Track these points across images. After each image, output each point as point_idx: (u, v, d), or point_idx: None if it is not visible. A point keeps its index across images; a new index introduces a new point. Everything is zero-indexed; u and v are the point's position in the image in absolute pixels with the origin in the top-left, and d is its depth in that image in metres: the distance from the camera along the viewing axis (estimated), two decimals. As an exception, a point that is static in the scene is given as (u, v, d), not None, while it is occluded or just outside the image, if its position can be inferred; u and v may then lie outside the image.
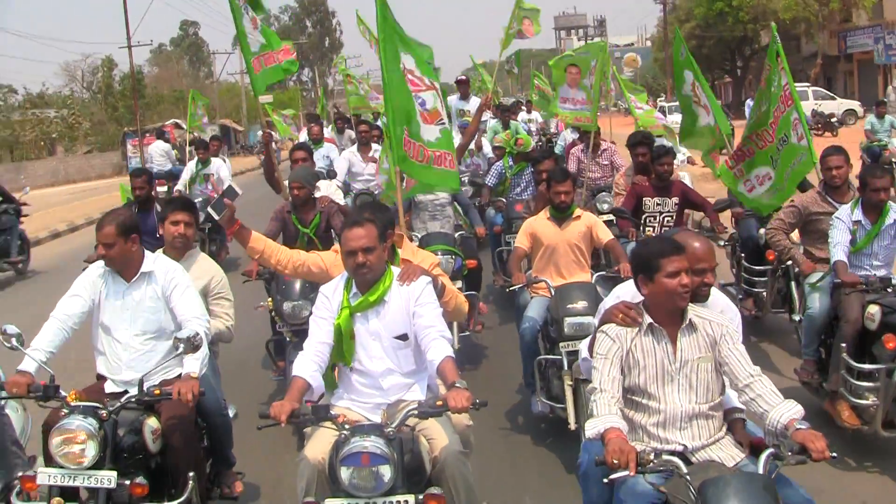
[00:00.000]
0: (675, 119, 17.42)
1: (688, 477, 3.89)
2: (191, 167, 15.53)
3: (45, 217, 25.23)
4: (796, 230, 8.12)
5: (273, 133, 11.28)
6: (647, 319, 4.43)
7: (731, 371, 4.33)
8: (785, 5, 46.36)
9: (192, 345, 5.02)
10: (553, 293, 7.23)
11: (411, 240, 8.79)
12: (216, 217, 5.94)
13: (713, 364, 4.39)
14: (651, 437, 4.39)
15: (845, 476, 6.39)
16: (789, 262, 8.69)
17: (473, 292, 9.35)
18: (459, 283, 9.03)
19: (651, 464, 3.91)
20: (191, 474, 5.16)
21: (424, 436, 4.77)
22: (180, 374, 5.33)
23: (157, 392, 5.07)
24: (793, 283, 8.88)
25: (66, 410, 4.91)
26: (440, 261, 6.87)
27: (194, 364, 5.19)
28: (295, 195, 8.50)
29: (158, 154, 22.82)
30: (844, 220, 7.13)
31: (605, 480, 4.04)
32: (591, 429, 4.13)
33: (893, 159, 17.57)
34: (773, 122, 9.06)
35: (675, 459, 4.00)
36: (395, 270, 5.14)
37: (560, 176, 7.74)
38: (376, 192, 10.93)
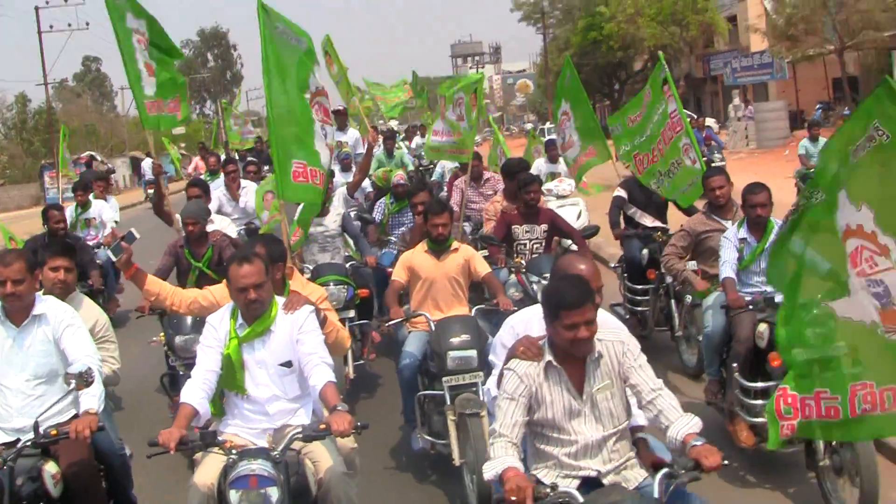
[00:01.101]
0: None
1: None
2: (69, 213, 12.99)
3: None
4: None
5: (160, 164, 10.68)
6: (547, 357, 4.22)
7: (635, 387, 4.22)
8: (650, 33, 47.31)
9: (84, 380, 4.65)
10: (433, 327, 6.83)
11: (302, 272, 8.44)
12: (114, 259, 5.72)
13: (617, 388, 4.24)
14: (563, 466, 4.23)
15: (746, 493, 6.29)
16: (669, 280, 8.62)
17: (366, 321, 9.02)
18: (352, 313, 8.69)
19: (548, 497, 3.82)
20: None
21: (310, 458, 4.70)
22: (75, 415, 4.96)
23: (54, 433, 4.67)
24: (673, 301, 8.83)
25: None
26: (327, 294, 6.55)
27: (91, 400, 4.80)
28: (189, 231, 8.22)
29: None
30: (731, 238, 7.02)
31: None
32: (490, 470, 4.00)
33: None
34: (657, 148, 9.07)
35: (571, 491, 3.92)
36: (280, 300, 5.08)
37: (437, 208, 7.30)
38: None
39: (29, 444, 4.65)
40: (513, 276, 8.55)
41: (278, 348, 4.93)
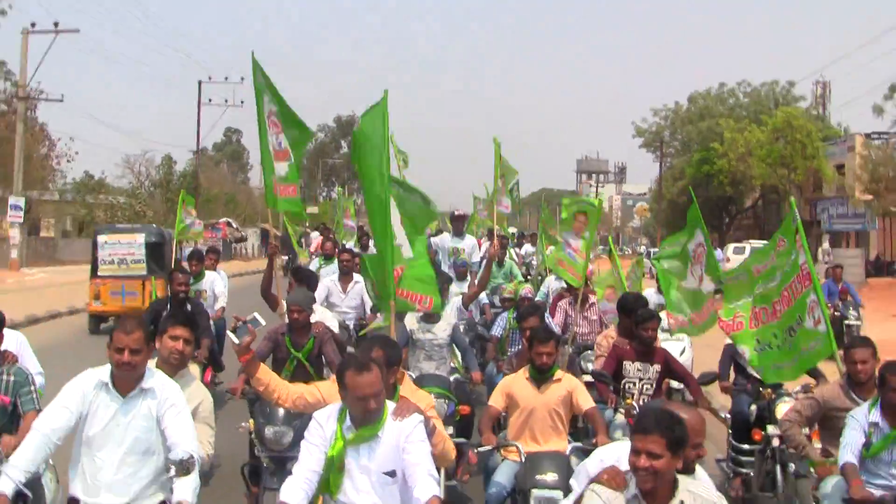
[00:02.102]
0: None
1: None
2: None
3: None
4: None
5: (277, 245, 9.81)
6: (633, 490, 3.82)
7: None
8: (759, 172, 46.73)
9: (185, 468, 4.25)
10: (523, 459, 6.22)
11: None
12: (236, 342, 5.36)
13: None
14: None
15: None
16: (776, 444, 7.47)
17: (464, 440, 8.06)
18: (451, 430, 7.82)
19: None
20: None
21: None
22: (162, 502, 4.53)
23: None
24: (779, 467, 7.52)
25: None
26: (434, 403, 6.02)
27: (186, 491, 4.35)
28: (294, 318, 7.64)
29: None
30: (860, 419, 5.89)
31: None
32: None
33: None
34: (782, 300, 8.01)
35: None
36: (390, 405, 4.73)
37: (543, 336, 6.65)
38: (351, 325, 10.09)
39: None
40: (619, 417, 7.54)
41: (384, 456, 4.55)
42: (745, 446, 8.23)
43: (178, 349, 5.30)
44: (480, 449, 6.47)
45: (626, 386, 7.81)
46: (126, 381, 4.66)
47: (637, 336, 7.89)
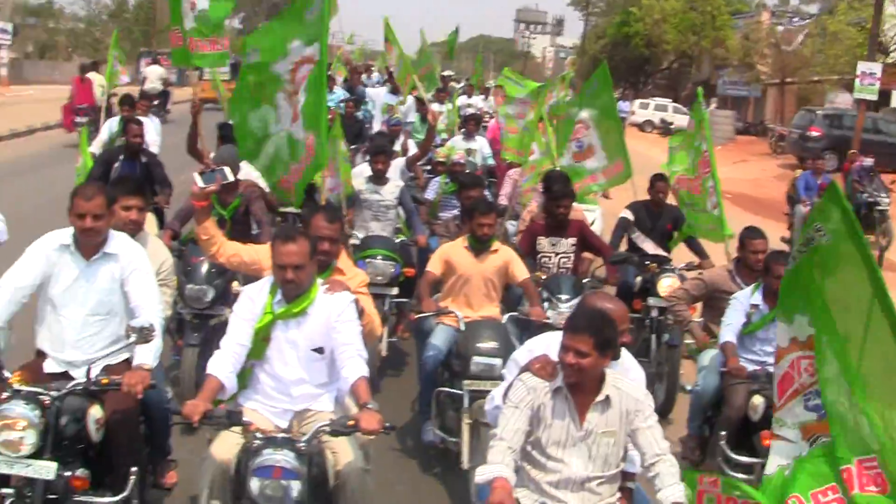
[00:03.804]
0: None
1: None
2: (111, 125, 10.90)
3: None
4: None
5: (199, 105, 8.57)
6: (558, 383, 3.72)
7: (639, 447, 3.75)
8: (672, 38, 46.81)
9: (144, 336, 4.03)
10: (462, 327, 6.06)
11: (349, 238, 7.62)
12: (201, 185, 4.94)
13: (619, 438, 3.75)
14: (543, 493, 3.75)
15: None
16: (654, 315, 7.56)
17: (406, 300, 7.94)
18: (395, 290, 7.73)
19: None
20: (133, 469, 4.17)
21: (329, 448, 4.08)
22: (126, 360, 4.36)
23: (105, 381, 4.05)
24: (653, 336, 7.62)
25: (7, 394, 3.86)
26: (368, 281, 5.69)
27: (147, 355, 4.17)
28: None
29: (155, 76, 25.29)
30: (742, 301, 5.93)
31: None
32: (481, 475, 3.60)
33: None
34: (695, 180, 8.22)
35: None
36: (320, 283, 4.38)
37: (484, 207, 6.36)
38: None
39: (79, 388, 4.06)
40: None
41: (312, 332, 4.27)
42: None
43: (131, 219, 4.99)
44: (420, 315, 6.30)
45: (542, 260, 7.41)
46: (88, 246, 4.39)
47: (550, 212, 7.49)
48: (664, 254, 8.33)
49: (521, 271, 6.37)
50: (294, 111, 6.93)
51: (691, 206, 8.62)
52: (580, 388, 3.71)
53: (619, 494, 3.86)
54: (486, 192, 8.93)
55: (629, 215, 8.45)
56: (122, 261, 4.43)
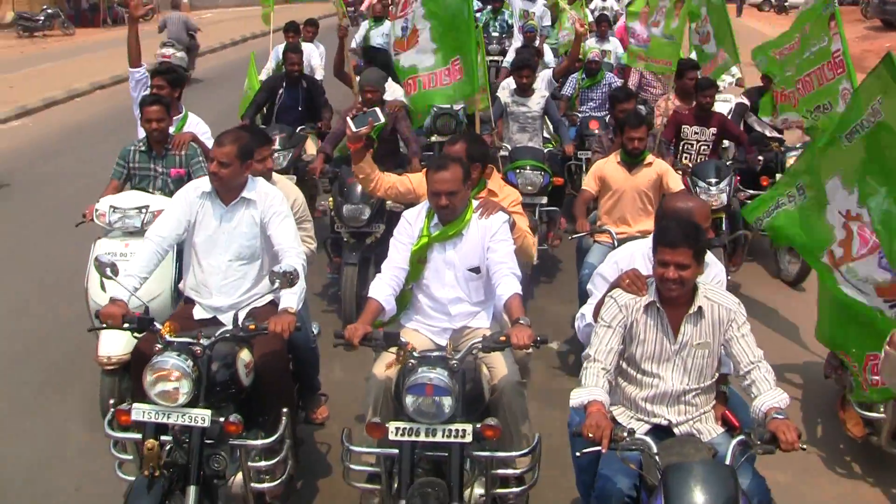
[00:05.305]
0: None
1: (656, 458, 3.26)
2: (277, 52, 10.60)
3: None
4: None
5: (346, 28, 8.55)
6: (650, 298, 3.60)
7: (733, 356, 3.61)
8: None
9: (288, 280, 3.94)
10: (615, 244, 5.81)
11: (499, 150, 7.51)
12: (353, 129, 4.90)
13: (713, 349, 3.62)
14: (639, 409, 3.69)
15: (846, 483, 5.07)
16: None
17: (556, 208, 7.91)
18: (545, 199, 7.67)
19: (624, 441, 3.27)
20: (284, 410, 4.12)
21: (485, 364, 4.11)
22: (271, 301, 4.32)
23: (252, 328, 3.96)
24: None
25: (159, 346, 3.85)
26: (520, 199, 5.53)
27: (292, 299, 4.08)
28: (368, 98, 6.92)
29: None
30: None
31: (577, 454, 3.51)
32: (576, 398, 3.49)
33: None
34: (801, 85, 7.42)
35: (647, 440, 3.33)
36: (475, 204, 4.36)
37: (635, 121, 6.22)
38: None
39: (228, 335, 4.01)
40: None
41: (468, 253, 4.24)
42: (751, 191, 8.10)
43: (267, 167, 4.94)
44: (575, 235, 6.27)
45: (685, 147, 7.76)
46: (226, 192, 4.36)
47: (696, 100, 7.84)
48: (779, 136, 8.72)
49: (675, 183, 6.23)
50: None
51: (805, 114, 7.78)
52: (672, 301, 3.57)
53: (714, 402, 3.76)
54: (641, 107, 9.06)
55: (745, 101, 8.98)
56: (261, 205, 4.37)
